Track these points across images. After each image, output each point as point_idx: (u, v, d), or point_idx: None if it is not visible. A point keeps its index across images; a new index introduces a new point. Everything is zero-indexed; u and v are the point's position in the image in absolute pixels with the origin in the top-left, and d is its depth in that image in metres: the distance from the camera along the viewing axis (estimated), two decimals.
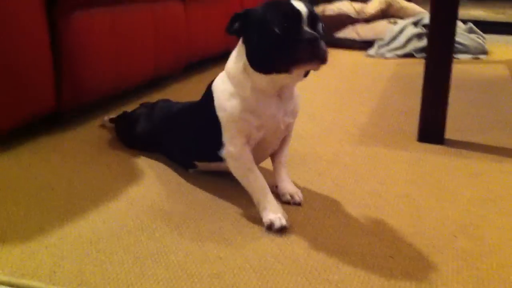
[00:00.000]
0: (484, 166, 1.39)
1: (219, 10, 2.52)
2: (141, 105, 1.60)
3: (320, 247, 0.98)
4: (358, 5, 3.39)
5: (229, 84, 1.09)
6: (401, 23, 3.13)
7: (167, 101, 1.55)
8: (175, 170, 1.33)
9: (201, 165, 1.29)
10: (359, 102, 2.01)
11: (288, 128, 1.17)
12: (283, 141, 1.21)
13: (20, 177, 1.27)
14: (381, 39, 3.10)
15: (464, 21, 3.31)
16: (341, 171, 1.35)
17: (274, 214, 1.05)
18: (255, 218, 1.08)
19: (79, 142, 1.52)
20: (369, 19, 3.26)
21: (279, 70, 1.01)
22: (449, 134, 1.61)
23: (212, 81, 1.17)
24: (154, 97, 1.95)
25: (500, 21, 5.14)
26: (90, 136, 1.57)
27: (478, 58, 2.97)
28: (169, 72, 2.18)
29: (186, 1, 2.20)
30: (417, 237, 1.02)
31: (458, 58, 2.93)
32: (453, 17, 1.51)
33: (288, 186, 1.18)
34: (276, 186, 1.18)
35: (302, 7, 1.00)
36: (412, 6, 3.34)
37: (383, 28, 3.17)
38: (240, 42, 1.09)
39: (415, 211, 1.13)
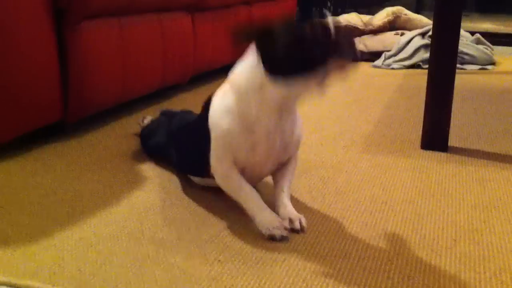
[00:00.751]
0: (488, 173, 1.38)
1: (226, 22, 2.54)
2: (161, 113, 1.61)
3: (319, 251, 0.98)
4: (365, 17, 3.40)
5: (231, 99, 1.05)
6: (408, 34, 3.13)
7: (188, 113, 1.52)
8: (179, 178, 1.33)
9: (197, 181, 1.27)
10: (364, 111, 2.01)
11: (287, 151, 1.12)
12: (285, 165, 1.16)
13: (24, 184, 1.28)
14: (388, 50, 3.11)
15: (472, 33, 3.31)
16: (345, 178, 1.35)
17: (271, 226, 1.03)
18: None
19: (84, 150, 1.53)
20: (376, 31, 3.27)
21: (310, 68, 0.95)
22: (453, 142, 1.60)
23: (212, 93, 1.13)
24: (161, 107, 1.97)
25: (509, 33, 5.14)
26: (95, 144, 1.58)
27: (485, 69, 2.96)
28: (176, 82, 2.20)
29: (193, 13, 2.22)
30: (417, 242, 1.02)
31: (465, 69, 2.92)
32: (456, 26, 1.52)
33: (289, 212, 1.09)
34: (276, 207, 1.11)
35: (328, 18, 0.96)
36: (419, 17, 3.35)
37: (390, 39, 3.18)
38: (250, 58, 1.03)
39: (417, 216, 1.13)
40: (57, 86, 1.54)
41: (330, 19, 0.95)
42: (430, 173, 1.38)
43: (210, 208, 1.16)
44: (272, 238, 1.02)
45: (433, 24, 1.54)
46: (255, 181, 1.17)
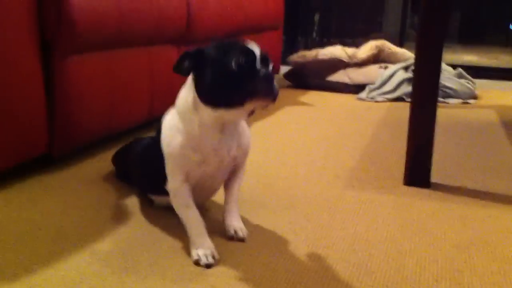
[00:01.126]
0: (470, 210, 1.40)
1: None
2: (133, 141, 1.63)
3: None
4: (350, 50, 3.45)
5: (177, 120, 1.14)
6: (392, 68, 3.19)
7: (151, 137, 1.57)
8: (164, 209, 1.33)
9: (158, 201, 1.35)
10: (349, 145, 2.04)
11: (236, 162, 1.20)
12: (234, 174, 1.24)
13: (9, 218, 1.27)
14: (372, 83, 3.16)
15: (454, 66, 3.38)
16: (328, 214, 1.36)
17: (203, 250, 1.09)
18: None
19: (69, 182, 1.53)
20: (360, 64, 3.33)
21: (232, 105, 1.06)
22: (436, 177, 1.63)
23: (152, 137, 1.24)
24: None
25: (493, 66, 5.25)
26: (81, 177, 1.58)
27: (467, 103, 3.02)
28: (163, 113, 2.21)
29: (180, 46, 2.24)
30: (399, 281, 1.03)
31: (447, 103, 2.97)
32: (437, 62, 1.55)
33: (234, 221, 1.20)
34: (223, 219, 1.21)
35: (255, 48, 1.06)
36: (403, 51, 3.41)
37: (374, 72, 3.23)
38: (189, 80, 1.12)
39: (400, 255, 1.14)
40: (43, 118, 1.55)
41: (257, 52, 1.05)
42: (412, 210, 1.40)
43: None
44: (197, 262, 1.07)
45: (415, 56, 1.57)
46: (208, 195, 1.28)
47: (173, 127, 1.14)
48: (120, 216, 1.32)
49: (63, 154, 1.67)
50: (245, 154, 1.21)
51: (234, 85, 1.04)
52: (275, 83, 1.05)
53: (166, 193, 1.19)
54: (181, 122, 1.13)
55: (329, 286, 1.01)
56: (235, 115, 1.10)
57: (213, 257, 1.08)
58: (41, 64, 1.52)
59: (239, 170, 1.24)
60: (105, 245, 1.16)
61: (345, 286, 1.01)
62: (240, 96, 1.04)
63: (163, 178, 1.17)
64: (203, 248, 1.09)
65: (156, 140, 1.19)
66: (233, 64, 1.03)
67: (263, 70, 1.05)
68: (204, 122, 1.10)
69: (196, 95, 1.09)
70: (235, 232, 1.19)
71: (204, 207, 1.33)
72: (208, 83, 1.06)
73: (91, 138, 1.77)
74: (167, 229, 1.25)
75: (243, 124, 1.20)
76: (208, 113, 1.09)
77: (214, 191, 1.29)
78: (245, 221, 1.28)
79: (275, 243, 1.19)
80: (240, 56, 1.04)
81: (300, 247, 1.17)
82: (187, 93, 1.12)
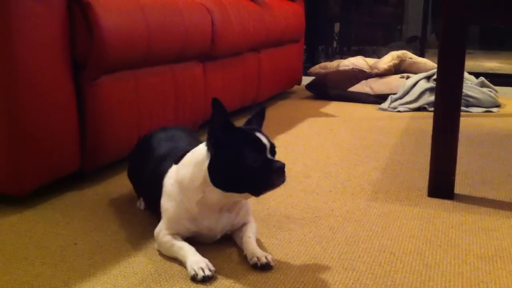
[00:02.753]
0: (494, 222, 1.42)
1: (237, 71, 2.62)
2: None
3: None
4: (371, 60, 3.48)
5: (178, 191, 1.20)
6: (413, 77, 3.20)
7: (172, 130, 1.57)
8: None
9: None
10: (372, 157, 2.06)
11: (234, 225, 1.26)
12: (244, 226, 1.27)
13: (45, 235, 1.33)
14: (394, 93, 3.18)
15: (476, 74, 3.38)
16: (353, 227, 1.39)
17: (197, 264, 1.11)
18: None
19: (101, 200, 1.58)
20: (382, 74, 3.35)
21: (247, 192, 1.14)
22: (459, 189, 1.65)
23: (166, 170, 1.26)
24: None
25: None
26: (111, 193, 1.64)
27: (490, 111, 3.02)
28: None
29: (204, 62, 2.30)
30: None
31: (470, 112, 2.98)
32: (460, 71, 1.57)
33: (255, 251, 1.18)
34: (245, 254, 1.20)
35: (266, 140, 1.14)
36: (425, 61, 3.42)
37: (396, 82, 3.25)
38: (198, 159, 1.18)
39: (425, 267, 1.17)
40: (75, 136, 1.61)
41: (267, 143, 1.14)
42: (437, 222, 1.42)
43: (213, 247, 1.20)
44: (194, 278, 1.09)
45: (438, 66, 1.59)
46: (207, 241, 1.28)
47: (172, 197, 1.21)
48: (152, 230, 1.36)
49: (94, 170, 1.73)
50: (244, 222, 1.27)
51: (252, 178, 1.11)
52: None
53: None
54: (181, 194, 1.20)
55: None
56: (244, 197, 1.18)
57: (209, 269, 1.11)
58: (73, 85, 1.58)
59: (246, 226, 1.27)
60: (139, 259, 1.20)
61: None
62: (259, 187, 1.13)
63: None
64: (198, 263, 1.11)
65: (158, 192, 1.26)
66: (250, 160, 1.10)
67: (277, 162, 1.13)
68: (206, 201, 1.17)
69: (207, 176, 1.15)
70: (259, 259, 1.15)
71: None
72: (225, 173, 1.13)
73: (120, 154, 1.83)
74: (197, 241, 1.28)
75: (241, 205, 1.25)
76: (217, 194, 1.15)
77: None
78: (271, 234, 1.31)
79: (302, 256, 1.22)
80: (255, 151, 1.11)
81: (326, 260, 1.20)
82: (195, 171, 1.17)
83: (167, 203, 1.22)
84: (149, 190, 1.38)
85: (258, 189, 1.13)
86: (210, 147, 1.15)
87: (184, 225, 1.20)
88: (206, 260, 1.13)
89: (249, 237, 1.22)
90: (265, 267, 1.14)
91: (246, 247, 1.20)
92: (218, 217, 1.20)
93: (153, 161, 1.38)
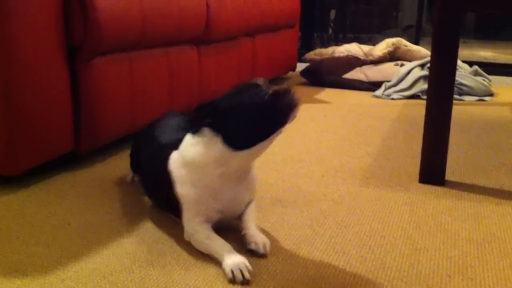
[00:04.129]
0: (483, 208, 1.44)
1: (231, 55, 2.62)
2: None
3: (321, 285, 1.03)
4: (366, 48, 3.48)
5: (190, 173, 1.16)
6: (408, 65, 3.21)
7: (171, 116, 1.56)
8: None
9: None
10: (364, 143, 2.08)
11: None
12: (248, 208, 1.24)
13: (38, 214, 1.34)
14: (388, 81, 3.19)
15: (470, 63, 3.39)
16: (345, 212, 1.40)
17: (235, 266, 1.05)
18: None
19: (94, 181, 1.59)
20: (376, 61, 3.35)
21: (272, 133, 1.10)
22: (450, 175, 1.66)
23: (166, 158, 1.21)
24: None
25: (510, 63, 5.23)
26: (104, 174, 1.64)
27: (483, 100, 3.04)
28: (181, 110, 2.26)
29: (199, 45, 2.30)
30: (413, 277, 1.07)
31: (463, 100, 3.00)
32: (453, 60, 1.58)
33: (256, 236, 1.17)
34: (243, 234, 1.18)
35: (261, 80, 1.13)
36: (419, 49, 3.43)
37: (390, 70, 3.26)
38: (203, 135, 1.13)
39: (414, 251, 1.19)
40: (69, 118, 1.61)
41: (261, 79, 1.12)
42: (427, 207, 1.44)
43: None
44: (233, 280, 1.04)
45: (431, 54, 1.60)
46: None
47: (187, 181, 1.16)
48: (144, 211, 1.37)
49: (87, 152, 1.73)
50: (254, 192, 1.26)
51: (269, 116, 1.09)
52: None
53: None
54: (195, 174, 1.15)
55: (346, 281, 1.05)
56: (267, 146, 1.13)
57: (248, 271, 1.05)
58: (67, 67, 1.58)
59: (250, 205, 1.25)
60: (131, 240, 1.21)
61: (361, 281, 1.05)
62: (282, 115, 1.10)
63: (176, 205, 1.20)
64: (237, 264, 1.06)
65: (169, 185, 1.20)
66: (258, 98, 1.08)
67: (284, 92, 1.10)
68: (227, 173, 1.14)
69: (224, 149, 1.11)
70: (257, 245, 1.15)
71: None
72: (245, 129, 1.10)
73: (114, 136, 1.83)
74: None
75: (253, 169, 1.23)
76: (242, 157, 1.12)
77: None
78: (263, 217, 1.33)
79: (293, 239, 1.23)
80: (257, 91, 1.09)
81: (317, 243, 1.21)
82: (205, 150, 1.13)
83: (183, 189, 1.17)
84: (153, 182, 1.34)
85: (282, 117, 1.10)
86: (214, 127, 1.12)
87: (209, 203, 1.16)
88: (245, 260, 1.07)
89: (249, 220, 1.21)
90: (260, 256, 1.14)
91: (246, 228, 1.19)
92: (237, 185, 1.17)
93: (154, 151, 1.35)
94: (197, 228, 1.16)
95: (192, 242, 1.17)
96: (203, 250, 1.15)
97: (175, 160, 1.20)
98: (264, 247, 1.15)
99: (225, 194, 1.16)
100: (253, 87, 1.11)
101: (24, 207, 1.37)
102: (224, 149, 1.11)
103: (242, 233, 1.19)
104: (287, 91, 1.10)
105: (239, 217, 1.23)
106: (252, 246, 1.15)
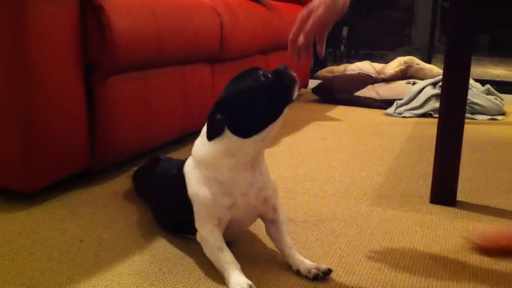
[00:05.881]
0: (494, 230, 1.44)
1: None
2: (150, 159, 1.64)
3: None
4: (378, 65, 3.50)
5: (201, 171, 1.15)
6: (420, 83, 3.21)
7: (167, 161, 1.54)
8: None
9: None
10: (375, 162, 2.08)
11: (267, 203, 1.20)
12: (276, 222, 1.22)
13: (52, 231, 1.36)
14: (400, 99, 3.19)
15: (483, 81, 3.39)
16: (355, 231, 1.41)
17: (240, 286, 1.05)
18: (275, 262, 1.16)
19: (108, 196, 1.61)
20: (388, 79, 3.36)
21: (278, 114, 1.11)
22: (462, 196, 1.66)
23: (182, 163, 1.23)
24: (181, 152, 2.06)
25: None
26: (118, 190, 1.66)
27: (495, 119, 3.03)
28: (195, 130, 2.29)
29: (213, 64, 2.32)
30: None
31: (475, 119, 2.99)
32: (466, 79, 1.58)
33: (309, 264, 1.16)
34: (297, 270, 1.17)
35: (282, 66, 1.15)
36: (431, 67, 3.44)
37: (402, 88, 3.27)
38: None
39: (425, 273, 1.19)
40: (85, 136, 1.63)
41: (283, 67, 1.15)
42: (438, 229, 1.44)
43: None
44: None
45: (443, 73, 1.60)
46: (235, 234, 1.26)
47: (198, 178, 1.16)
48: (156, 229, 1.39)
49: (101, 170, 1.76)
50: (274, 193, 1.22)
51: (273, 95, 1.10)
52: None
53: (190, 233, 1.24)
54: (207, 171, 1.14)
55: None
56: (279, 125, 1.13)
57: None
58: (83, 85, 1.61)
59: (279, 217, 1.23)
60: (143, 257, 1.23)
61: None
62: (282, 100, 1.11)
63: (191, 222, 1.19)
64: (240, 283, 1.06)
65: (181, 190, 1.19)
66: (260, 80, 1.10)
67: (280, 68, 1.13)
68: (238, 163, 1.12)
69: (232, 138, 1.10)
70: (317, 268, 1.14)
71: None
72: (249, 114, 1.09)
73: (128, 154, 1.85)
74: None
75: (266, 166, 1.21)
76: (253, 143, 1.11)
77: (241, 231, 1.30)
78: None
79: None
80: (257, 74, 1.11)
81: (328, 263, 1.22)
82: (214, 144, 1.12)
83: (194, 189, 1.16)
84: (169, 202, 1.32)
85: (287, 93, 1.11)
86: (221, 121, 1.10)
87: (222, 202, 1.14)
88: (250, 282, 1.06)
89: (291, 248, 1.19)
90: (327, 273, 1.14)
91: (293, 259, 1.18)
92: (251, 178, 1.15)
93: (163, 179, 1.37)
94: (208, 235, 1.15)
95: (203, 246, 1.18)
96: (210, 259, 1.15)
97: (188, 164, 1.21)
98: (321, 267, 1.15)
99: (239, 185, 1.14)
100: (252, 71, 1.13)
101: (38, 224, 1.40)
102: (234, 138, 1.10)
103: (292, 264, 1.18)
104: (285, 68, 1.13)
105: (275, 238, 1.22)
106: (314, 272, 1.14)
